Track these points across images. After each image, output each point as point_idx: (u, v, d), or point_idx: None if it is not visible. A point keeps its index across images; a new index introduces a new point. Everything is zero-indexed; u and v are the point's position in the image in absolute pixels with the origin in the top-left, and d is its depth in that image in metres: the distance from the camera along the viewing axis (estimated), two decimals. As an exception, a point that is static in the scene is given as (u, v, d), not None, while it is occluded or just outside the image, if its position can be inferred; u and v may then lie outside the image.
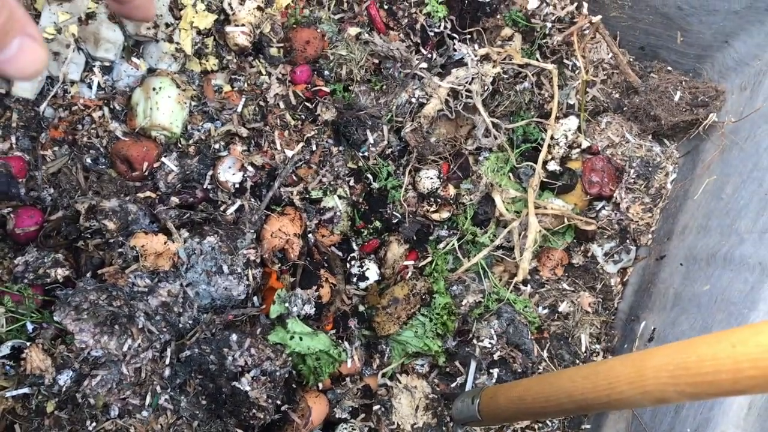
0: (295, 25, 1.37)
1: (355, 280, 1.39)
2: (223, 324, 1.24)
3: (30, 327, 1.15)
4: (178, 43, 1.25)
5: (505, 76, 1.58)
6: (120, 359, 1.18)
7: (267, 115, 1.32)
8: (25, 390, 1.13)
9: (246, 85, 1.31)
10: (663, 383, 0.65)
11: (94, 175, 1.20)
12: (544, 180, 1.64)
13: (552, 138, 1.65)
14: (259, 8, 1.29)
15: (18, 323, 1.13)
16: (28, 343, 1.13)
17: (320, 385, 1.33)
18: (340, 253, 1.36)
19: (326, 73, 1.39)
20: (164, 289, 1.18)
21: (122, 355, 1.18)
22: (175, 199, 1.20)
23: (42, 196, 1.17)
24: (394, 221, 1.45)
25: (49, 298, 1.16)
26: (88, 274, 1.15)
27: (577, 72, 1.72)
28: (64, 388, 1.13)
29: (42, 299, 1.15)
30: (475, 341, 1.54)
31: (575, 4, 1.69)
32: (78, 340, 1.15)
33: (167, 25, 1.21)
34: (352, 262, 1.39)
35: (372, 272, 1.40)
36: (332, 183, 1.33)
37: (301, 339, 1.25)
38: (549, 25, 1.67)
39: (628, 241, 1.74)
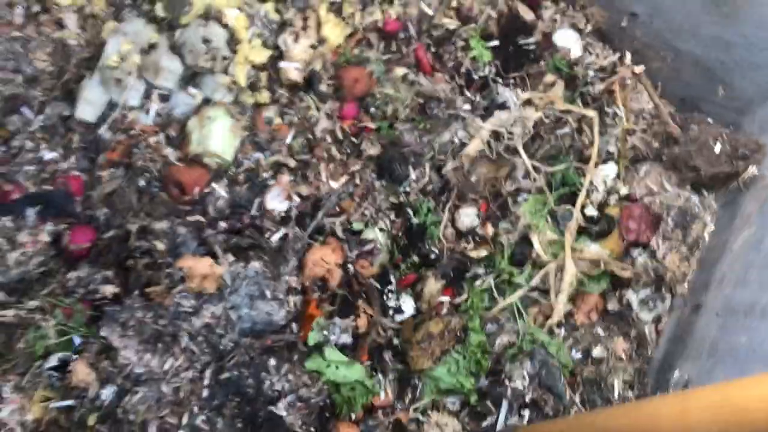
0: (345, 64, 1.42)
1: (391, 312, 1.41)
2: (261, 348, 1.27)
3: (77, 341, 1.19)
4: (233, 76, 1.30)
5: (547, 120, 1.61)
6: (161, 377, 1.21)
7: (314, 148, 1.37)
8: (69, 402, 1.16)
9: (296, 118, 1.36)
10: (707, 422, 0.66)
11: (147, 197, 1.25)
12: (582, 225, 1.65)
13: (590, 183, 1.67)
14: (312, 46, 1.34)
15: (66, 336, 1.17)
16: (74, 357, 1.16)
17: (353, 415, 1.34)
18: (378, 285, 1.39)
19: (372, 110, 1.44)
20: (208, 310, 1.21)
21: (163, 374, 1.21)
22: (223, 224, 1.25)
23: (96, 215, 1.22)
24: (432, 257, 1.47)
25: (97, 314, 1.20)
26: (136, 292, 1.19)
27: (617, 120, 1.74)
28: (106, 403, 1.16)
29: (90, 314, 1.19)
30: (507, 381, 1.54)
31: (618, 54, 1.73)
32: (122, 356, 1.18)
33: (224, 58, 1.27)
34: (389, 295, 1.41)
35: (408, 306, 1.42)
36: (374, 216, 1.36)
37: (337, 368, 1.27)
38: (591, 73, 1.71)
39: (663, 289, 1.73)
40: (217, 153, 1.24)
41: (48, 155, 1.20)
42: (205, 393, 1.23)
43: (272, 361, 1.23)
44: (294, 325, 1.30)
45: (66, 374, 1.16)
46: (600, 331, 1.67)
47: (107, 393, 1.17)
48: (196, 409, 1.23)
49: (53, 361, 1.16)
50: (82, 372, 1.16)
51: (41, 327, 1.13)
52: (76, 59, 1.24)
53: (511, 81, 1.59)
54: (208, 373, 1.23)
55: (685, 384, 1.51)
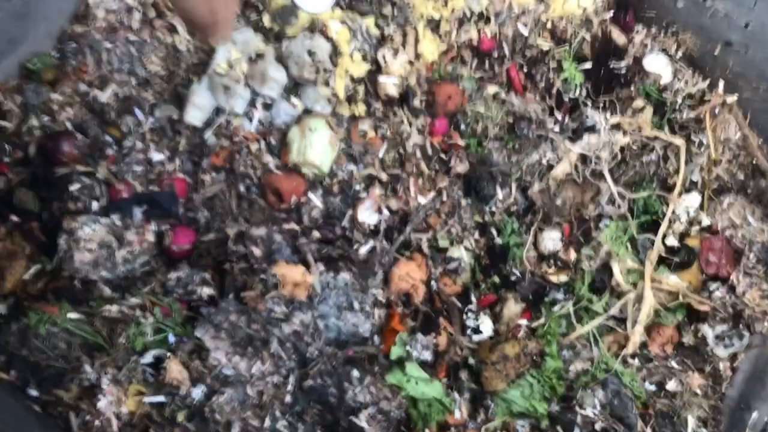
0: (438, 80, 1.44)
1: (469, 332, 1.42)
2: (344, 358, 1.30)
3: (171, 339, 1.23)
4: (333, 88, 1.33)
5: (633, 146, 1.60)
6: (247, 380, 1.24)
7: (405, 163, 1.39)
8: (162, 398, 1.20)
9: (388, 132, 1.39)
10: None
11: (246, 202, 1.29)
12: (662, 254, 1.64)
13: (673, 213, 1.65)
14: (410, 62, 1.37)
15: (162, 334, 1.22)
16: (168, 354, 1.21)
17: (427, 431, 1.35)
18: (459, 304, 1.40)
19: (462, 127, 1.45)
20: (298, 318, 1.24)
21: (250, 377, 1.24)
22: (316, 234, 1.28)
23: (197, 217, 1.26)
24: (513, 278, 1.48)
25: (192, 314, 1.24)
26: (231, 296, 1.23)
27: (703, 149, 1.72)
28: (195, 401, 1.20)
29: (186, 314, 1.24)
30: (578, 408, 1.53)
31: (707, 81, 1.71)
32: (213, 357, 1.22)
33: (325, 71, 1.30)
34: (469, 314, 1.42)
35: (486, 326, 1.43)
36: (459, 234, 1.38)
37: (417, 383, 1.29)
38: (680, 99, 1.69)
39: (741, 326, 1.70)
40: (315, 163, 1.27)
41: (156, 156, 1.25)
42: (288, 398, 1.26)
43: (355, 372, 1.25)
44: (376, 338, 1.32)
45: (160, 370, 1.20)
46: (674, 364, 1.65)
47: (197, 392, 1.21)
48: (278, 413, 1.26)
49: (149, 357, 1.21)
50: (175, 370, 1.20)
51: (141, 324, 1.17)
52: (185, 64, 1.29)
53: (601, 104, 1.59)
54: (292, 379, 1.27)
55: (764, 428, 1.48)
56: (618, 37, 1.64)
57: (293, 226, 1.28)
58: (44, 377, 1.19)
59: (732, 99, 1.64)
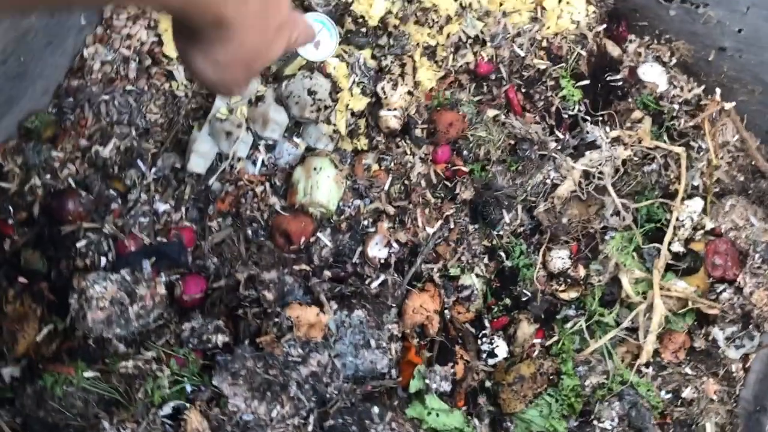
0: (438, 107, 1.44)
1: (484, 356, 1.42)
2: (362, 394, 1.29)
3: (188, 388, 1.22)
4: (334, 125, 1.33)
5: (634, 157, 1.61)
6: (267, 424, 1.24)
7: (410, 194, 1.38)
8: (182, 449, 1.19)
9: (392, 164, 1.38)
10: None
11: (255, 246, 1.28)
12: (668, 261, 1.64)
13: (677, 219, 1.66)
14: (409, 93, 1.36)
15: (179, 385, 1.21)
16: (187, 405, 1.20)
17: (449, 460, 1.35)
18: (473, 330, 1.40)
19: (465, 153, 1.45)
20: (315, 359, 1.24)
21: (269, 420, 1.24)
22: (327, 273, 1.27)
23: (206, 265, 1.25)
24: (524, 299, 1.48)
25: (208, 363, 1.23)
26: (246, 342, 1.22)
27: (702, 154, 1.73)
28: (217, 451, 1.20)
29: (202, 363, 1.23)
30: (595, 422, 1.54)
31: (702, 87, 1.72)
32: (231, 404, 1.22)
33: (326, 108, 1.29)
34: (483, 339, 1.42)
35: (501, 350, 1.43)
36: (470, 262, 1.37)
37: (437, 415, 1.29)
38: (676, 107, 1.70)
39: (751, 326, 1.72)
40: (323, 203, 1.26)
41: (161, 207, 1.24)
42: (309, 439, 1.26)
43: (375, 409, 1.25)
44: (393, 371, 1.32)
45: (179, 422, 1.20)
46: (688, 370, 1.66)
47: (219, 440, 1.20)
48: (300, 454, 1.26)
49: (167, 409, 1.20)
50: (195, 421, 1.19)
51: (158, 377, 1.16)
52: (184, 110, 1.27)
53: (600, 119, 1.59)
54: (312, 419, 1.26)
55: (783, 430, 1.49)
56: (612, 49, 1.64)
57: (304, 266, 1.27)
58: (63, 438, 1.18)
59: (730, 106, 1.64)
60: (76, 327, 1.14)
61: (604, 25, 1.63)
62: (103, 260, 1.20)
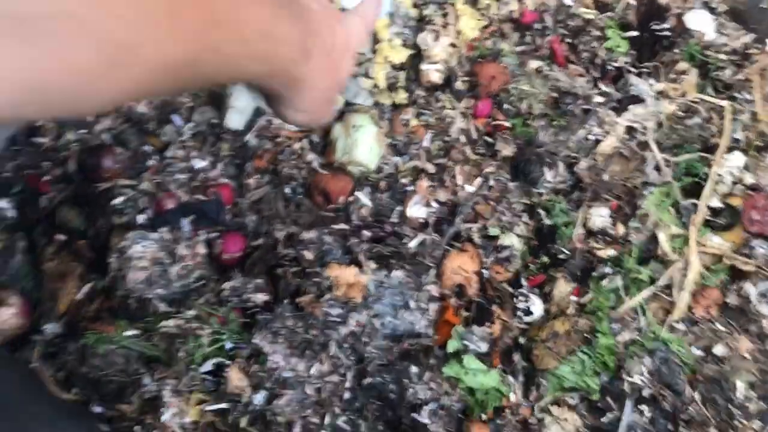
0: (480, 59, 1.38)
1: (520, 314, 1.41)
2: (399, 352, 1.29)
3: (228, 345, 1.22)
4: (373, 78, 1.28)
5: (678, 111, 1.55)
6: (305, 380, 1.24)
7: (450, 150, 1.34)
8: (223, 405, 1.20)
9: (432, 119, 1.34)
10: None
11: (293, 204, 1.25)
12: (705, 217, 1.61)
13: (717, 174, 1.62)
14: (452, 44, 1.30)
15: (219, 343, 1.21)
16: (228, 362, 1.20)
17: (483, 415, 1.36)
18: (510, 289, 1.38)
19: (506, 107, 1.40)
20: (354, 319, 1.23)
21: (308, 377, 1.24)
22: (366, 233, 1.25)
23: (245, 223, 1.23)
24: (561, 257, 1.46)
25: (248, 320, 1.23)
26: (285, 301, 1.21)
27: (746, 106, 1.67)
28: (257, 407, 1.21)
29: (242, 321, 1.23)
30: (624, 376, 1.54)
31: (753, 36, 1.64)
32: (271, 361, 1.22)
33: (365, 60, 1.24)
34: (520, 297, 1.41)
35: (537, 308, 1.42)
36: (510, 221, 1.35)
37: (475, 375, 1.29)
38: (723, 57, 1.63)
39: (786, 283, 1.69)
40: (362, 162, 1.23)
41: (198, 164, 1.21)
42: (347, 395, 1.27)
43: (413, 369, 1.25)
44: (430, 330, 1.31)
45: (220, 378, 1.20)
46: (720, 326, 1.65)
47: (259, 398, 1.21)
48: (337, 410, 1.27)
49: (208, 365, 1.20)
50: (236, 378, 1.20)
51: (199, 336, 1.16)
52: (220, 63, 1.22)
53: (644, 71, 1.53)
54: (349, 376, 1.27)
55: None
56: (661, -5, 1.56)
57: (343, 226, 1.25)
58: (106, 393, 1.20)
59: (783, 56, 1.57)
60: (117, 287, 1.13)
61: (654, -30, 1.55)
62: (141, 218, 1.18)
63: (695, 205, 1.61)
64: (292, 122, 0.78)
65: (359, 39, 0.84)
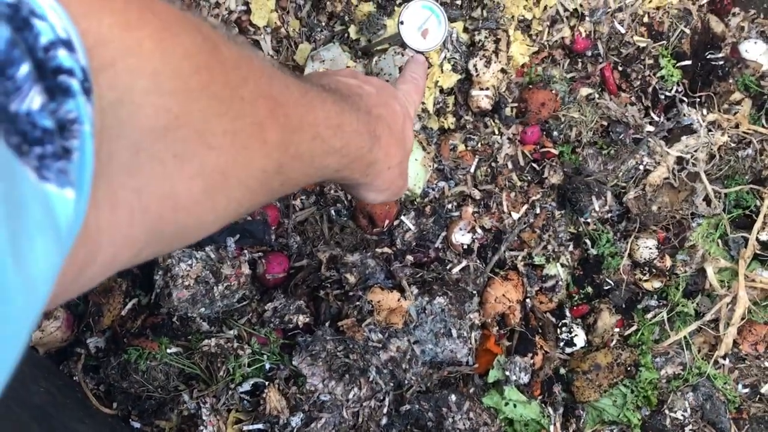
0: (530, 85, 1.34)
1: (562, 345, 1.37)
2: (439, 380, 1.26)
3: (267, 366, 1.20)
4: (423, 103, 1.25)
5: (730, 142, 1.50)
6: (343, 404, 1.21)
7: (497, 176, 1.31)
8: (260, 426, 1.18)
9: (479, 145, 1.30)
10: None
11: (337, 226, 1.23)
12: (756, 251, 1.55)
13: (768, 207, 1.56)
14: (502, 70, 1.27)
15: (259, 364, 1.19)
16: (266, 383, 1.18)
17: (521, 447, 1.32)
18: (553, 319, 1.34)
19: (555, 134, 1.36)
20: (394, 344, 1.20)
21: (346, 401, 1.21)
22: (410, 257, 1.22)
23: (289, 243, 1.21)
24: (606, 288, 1.41)
25: (288, 342, 1.21)
26: (326, 323, 1.19)
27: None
28: (295, 429, 1.18)
29: (282, 342, 1.20)
30: (667, 411, 1.48)
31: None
32: (309, 384, 1.19)
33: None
34: (563, 328, 1.36)
35: (580, 339, 1.37)
36: (555, 250, 1.30)
37: (515, 406, 1.25)
38: (778, 87, 1.57)
39: (837, 321, 1.62)
40: (409, 187, 1.20)
41: (245, 184, 1.19)
42: (384, 421, 1.23)
43: (453, 397, 1.21)
44: (470, 359, 1.27)
45: (258, 398, 1.18)
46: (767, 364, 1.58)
47: (296, 420, 1.18)
48: (374, 435, 1.24)
49: (246, 386, 1.18)
50: (274, 399, 1.17)
51: (239, 356, 1.14)
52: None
53: (697, 101, 1.47)
54: (387, 402, 1.23)
55: None
56: (716, 25, 1.51)
57: (386, 250, 1.22)
58: (145, 408, 1.18)
59: (839, 88, 1.51)
60: (161, 304, 1.12)
61: (709, -2, 1.50)
62: (187, 235, 1.17)
63: (745, 239, 1.54)
64: (373, 201, 0.80)
65: (415, 103, 0.86)
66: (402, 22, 0.95)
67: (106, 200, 0.34)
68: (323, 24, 1.23)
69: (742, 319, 1.51)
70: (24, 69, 0.26)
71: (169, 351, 1.13)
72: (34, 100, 0.27)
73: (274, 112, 0.46)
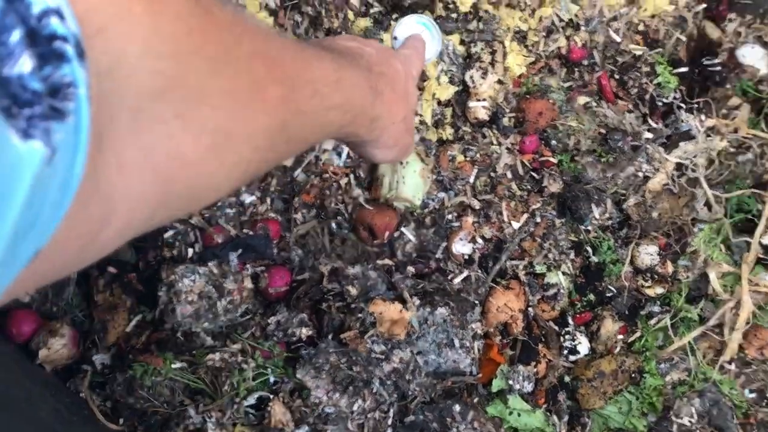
0: (527, 95, 1.35)
1: (565, 353, 1.37)
2: (442, 390, 1.26)
3: (272, 380, 1.21)
4: (420, 115, 1.26)
5: (729, 147, 1.50)
6: (347, 416, 1.22)
7: (496, 186, 1.31)
8: (266, 439, 1.18)
9: (478, 155, 1.31)
10: None
11: (338, 239, 1.24)
12: (759, 255, 1.55)
13: (769, 210, 1.55)
14: (499, 81, 1.28)
15: (263, 378, 1.19)
16: (271, 396, 1.19)
17: (527, 456, 1.32)
18: (556, 328, 1.34)
19: (553, 142, 1.37)
20: (397, 356, 1.20)
21: (350, 413, 1.21)
22: (411, 268, 1.22)
23: (291, 257, 1.22)
24: (608, 295, 1.41)
25: (292, 355, 1.21)
26: (329, 336, 1.19)
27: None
28: (300, 442, 1.19)
29: (285, 355, 1.21)
30: (673, 417, 1.48)
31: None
32: (314, 396, 1.20)
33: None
34: (566, 336, 1.36)
35: (583, 346, 1.37)
36: (556, 259, 1.31)
37: (519, 415, 1.25)
38: (776, 91, 1.57)
39: (842, 324, 1.61)
40: (408, 198, 1.21)
41: (248, 198, 1.20)
42: (388, 431, 1.24)
43: (457, 407, 1.21)
44: (474, 369, 1.27)
45: (263, 412, 1.18)
46: (774, 368, 1.57)
47: (301, 433, 1.19)
48: (379, 446, 1.24)
49: (251, 399, 1.19)
50: (279, 412, 1.18)
51: (244, 370, 1.14)
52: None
53: (695, 106, 1.48)
54: (392, 413, 1.23)
55: None
56: (712, 31, 1.51)
57: (387, 261, 1.23)
58: (151, 424, 1.19)
59: (838, 91, 1.51)
60: (165, 319, 1.13)
61: (704, 5, 1.50)
62: (190, 251, 1.18)
63: (747, 243, 1.54)
64: (382, 160, 0.81)
65: (416, 66, 0.88)
66: (395, 38, 0.96)
67: (114, 160, 0.35)
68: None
69: (747, 323, 1.50)
70: (16, 35, 0.27)
71: (173, 366, 1.13)
72: (25, 64, 0.28)
73: (272, 71, 0.47)
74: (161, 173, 0.39)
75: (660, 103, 1.43)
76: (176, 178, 0.40)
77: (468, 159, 1.30)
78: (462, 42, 1.30)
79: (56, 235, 0.31)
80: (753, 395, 1.53)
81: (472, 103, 1.25)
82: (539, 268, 1.30)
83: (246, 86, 0.44)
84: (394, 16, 1.22)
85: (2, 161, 0.26)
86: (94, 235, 0.36)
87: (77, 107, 0.30)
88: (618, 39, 1.36)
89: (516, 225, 1.29)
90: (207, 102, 0.40)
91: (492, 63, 1.26)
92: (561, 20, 1.32)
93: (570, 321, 1.36)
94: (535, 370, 1.26)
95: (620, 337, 1.42)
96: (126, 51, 0.34)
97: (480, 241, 1.27)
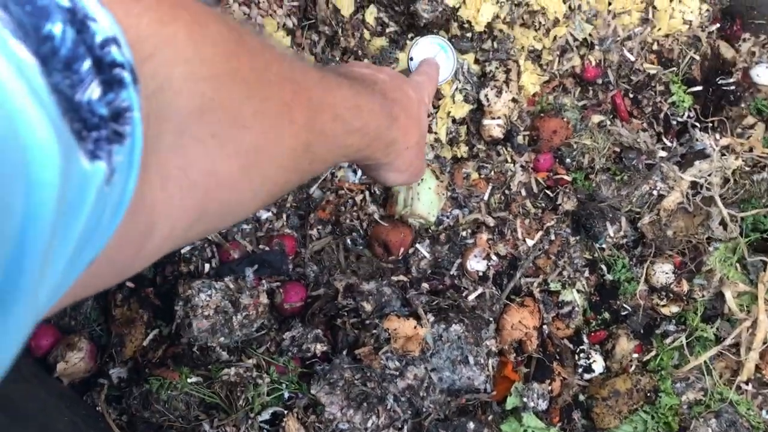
0: (541, 113, 1.36)
1: (580, 371, 1.36)
2: (457, 407, 1.25)
3: (285, 395, 1.21)
4: (435, 133, 1.27)
5: (744, 165, 1.49)
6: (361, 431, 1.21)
7: (510, 204, 1.32)
8: (280, 455, 1.18)
9: (492, 173, 1.31)
10: None
11: (353, 255, 1.24)
12: (775, 275, 1.53)
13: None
14: (513, 100, 1.29)
15: (278, 393, 1.19)
16: (285, 412, 1.18)
17: (542, 475, 1.30)
18: (571, 346, 1.33)
19: (567, 161, 1.37)
20: (411, 372, 1.20)
21: (364, 429, 1.21)
22: (425, 285, 1.23)
23: (306, 273, 1.23)
24: (623, 313, 1.40)
25: (306, 370, 1.21)
26: (344, 352, 1.19)
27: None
28: (315, 459, 1.18)
29: (300, 371, 1.21)
30: (690, 439, 1.46)
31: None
32: (328, 412, 1.19)
33: (429, 116, 1.23)
34: (581, 354, 1.35)
35: (598, 365, 1.36)
36: (571, 276, 1.30)
37: (534, 433, 1.24)
38: (791, 111, 1.56)
39: None
40: (423, 215, 1.21)
41: (264, 214, 1.21)
42: (402, 449, 1.23)
43: (471, 425, 1.20)
44: (488, 386, 1.27)
45: (277, 427, 1.18)
46: (791, 389, 1.55)
47: (316, 449, 1.18)
48: (393, 463, 1.23)
49: (266, 414, 1.19)
50: (293, 428, 1.17)
51: (259, 385, 1.15)
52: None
53: (710, 125, 1.48)
54: (405, 430, 1.23)
55: None
56: (726, 51, 1.51)
57: (402, 278, 1.23)
58: (166, 438, 1.19)
59: None
60: (182, 334, 1.13)
61: (718, 25, 1.50)
62: (207, 266, 1.19)
63: (764, 263, 1.53)
64: (394, 183, 0.84)
65: (428, 92, 0.91)
66: (411, 58, 0.97)
67: (157, 177, 0.37)
68: (337, 59, 1.26)
69: (764, 343, 1.48)
70: (87, 64, 0.30)
71: (189, 381, 1.14)
72: (94, 91, 0.30)
73: (298, 94, 0.49)
74: (198, 190, 0.41)
75: (674, 122, 1.43)
76: (211, 194, 0.42)
77: (482, 176, 1.31)
78: (477, 61, 1.30)
79: (107, 246, 0.33)
80: (770, 416, 1.51)
81: (486, 122, 1.25)
82: (554, 286, 1.30)
83: (275, 109, 0.46)
84: (409, 35, 1.23)
85: (73, 181, 0.28)
86: (139, 248, 0.38)
87: (132, 130, 0.32)
88: (632, 58, 1.36)
89: (530, 242, 1.29)
90: (240, 123, 0.42)
91: (506, 82, 1.26)
92: (575, 39, 1.33)
93: (585, 339, 1.36)
94: (549, 388, 1.26)
95: (635, 355, 1.41)
96: (171, 75, 0.36)
97: (494, 258, 1.27)
